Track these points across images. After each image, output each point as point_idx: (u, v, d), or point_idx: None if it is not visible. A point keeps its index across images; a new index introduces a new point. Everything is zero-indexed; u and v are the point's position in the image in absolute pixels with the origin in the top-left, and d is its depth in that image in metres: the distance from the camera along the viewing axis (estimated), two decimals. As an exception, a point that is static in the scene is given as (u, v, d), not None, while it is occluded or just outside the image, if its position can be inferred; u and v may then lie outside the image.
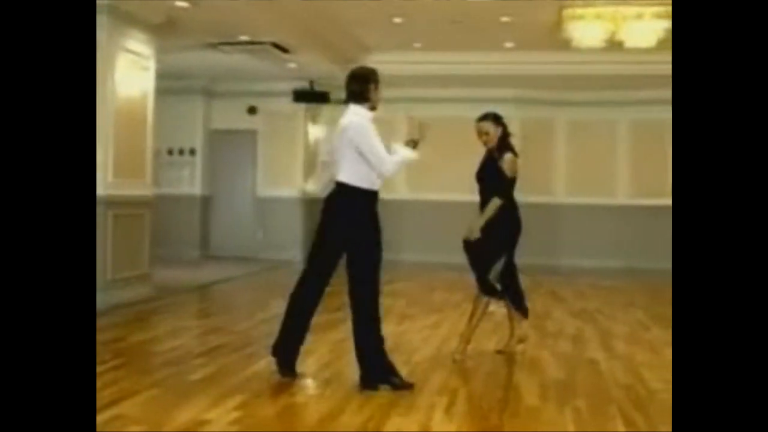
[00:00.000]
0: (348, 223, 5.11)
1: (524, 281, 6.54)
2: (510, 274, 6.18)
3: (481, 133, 6.07)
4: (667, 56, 11.40)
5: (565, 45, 10.12)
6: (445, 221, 14.13)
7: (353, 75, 5.29)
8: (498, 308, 6.54)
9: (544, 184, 14.17)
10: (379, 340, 5.16)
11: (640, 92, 13.63)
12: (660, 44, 9.64)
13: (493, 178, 6.00)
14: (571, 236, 14.12)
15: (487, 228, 5.92)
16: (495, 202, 5.93)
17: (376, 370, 5.12)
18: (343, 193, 5.15)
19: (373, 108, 5.24)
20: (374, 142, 5.09)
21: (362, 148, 5.05)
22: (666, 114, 13.87)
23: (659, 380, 5.55)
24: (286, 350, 5.33)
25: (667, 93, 14.62)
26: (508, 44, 11.61)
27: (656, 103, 13.77)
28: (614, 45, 9.71)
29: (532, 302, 7.29)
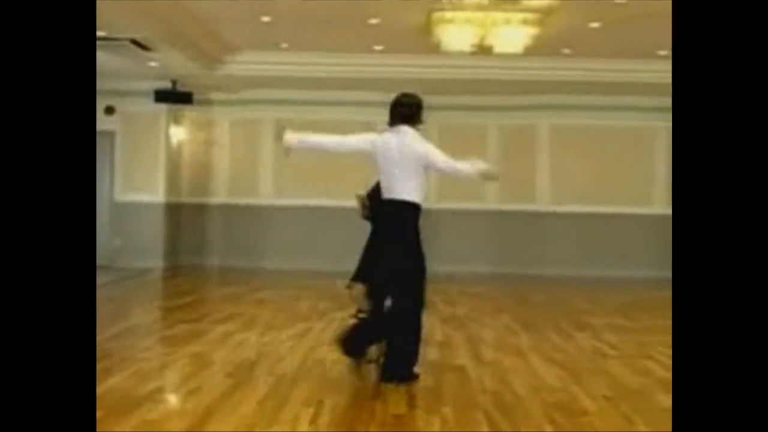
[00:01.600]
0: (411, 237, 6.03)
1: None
2: None
3: None
4: (535, 62, 11.76)
5: (435, 49, 10.10)
6: (314, 227, 13.94)
7: (407, 101, 6.28)
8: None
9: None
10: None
11: (510, 97, 13.78)
12: (527, 50, 9.75)
13: None
14: (440, 242, 14.12)
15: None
16: None
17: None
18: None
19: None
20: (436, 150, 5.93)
21: (430, 157, 5.94)
22: (534, 120, 14.25)
23: (525, 385, 5.58)
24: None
25: (535, 99, 14.88)
26: (377, 47, 11.51)
27: (525, 109, 13.99)
28: (483, 50, 9.75)
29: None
